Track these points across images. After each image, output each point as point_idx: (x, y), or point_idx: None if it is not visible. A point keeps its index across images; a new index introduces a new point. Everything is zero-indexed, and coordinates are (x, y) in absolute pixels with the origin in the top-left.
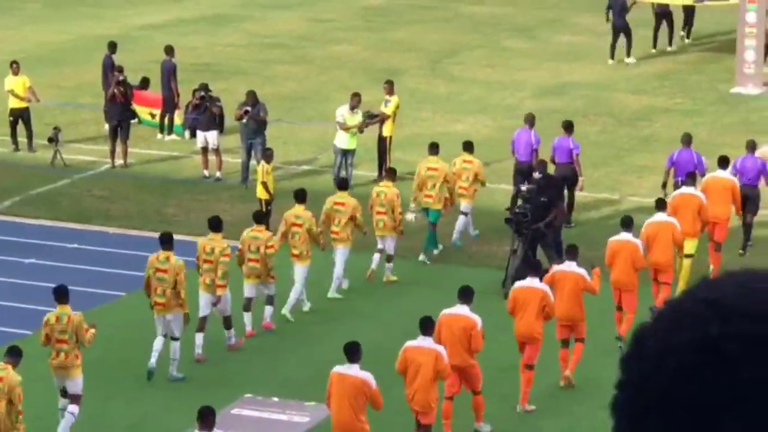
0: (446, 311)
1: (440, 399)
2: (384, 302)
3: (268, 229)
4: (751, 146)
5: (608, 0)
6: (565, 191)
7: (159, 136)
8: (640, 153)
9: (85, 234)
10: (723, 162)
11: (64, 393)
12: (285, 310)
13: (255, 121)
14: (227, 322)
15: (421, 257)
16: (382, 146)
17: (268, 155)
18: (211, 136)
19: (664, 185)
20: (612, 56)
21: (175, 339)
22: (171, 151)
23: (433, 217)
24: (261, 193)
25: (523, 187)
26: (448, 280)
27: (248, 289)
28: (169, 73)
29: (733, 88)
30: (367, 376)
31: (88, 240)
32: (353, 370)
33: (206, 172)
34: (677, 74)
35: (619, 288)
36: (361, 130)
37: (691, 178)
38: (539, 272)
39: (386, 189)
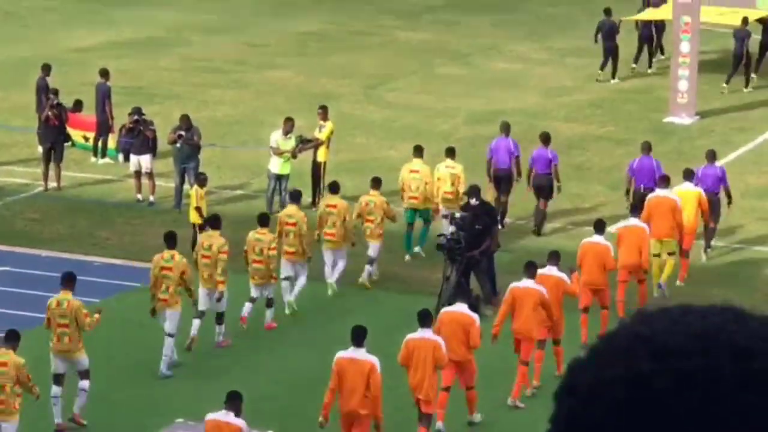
0: (446, 309)
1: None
2: (317, 328)
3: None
4: (711, 156)
5: (598, 23)
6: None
7: (92, 159)
8: (573, 181)
9: (17, 256)
10: (688, 174)
11: (58, 379)
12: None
13: (188, 146)
14: (219, 319)
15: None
16: (317, 172)
17: (201, 180)
18: (144, 160)
19: (627, 192)
20: (613, 76)
21: (170, 336)
22: (104, 174)
23: (412, 218)
24: (194, 218)
25: (457, 214)
26: (381, 307)
27: (254, 290)
28: (104, 96)
29: (666, 117)
30: (375, 360)
31: (20, 263)
32: (360, 353)
33: (139, 196)
34: (611, 103)
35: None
36: (294, 156)
37: (664, 181)
38: (533, 270)
39: (374, 198)
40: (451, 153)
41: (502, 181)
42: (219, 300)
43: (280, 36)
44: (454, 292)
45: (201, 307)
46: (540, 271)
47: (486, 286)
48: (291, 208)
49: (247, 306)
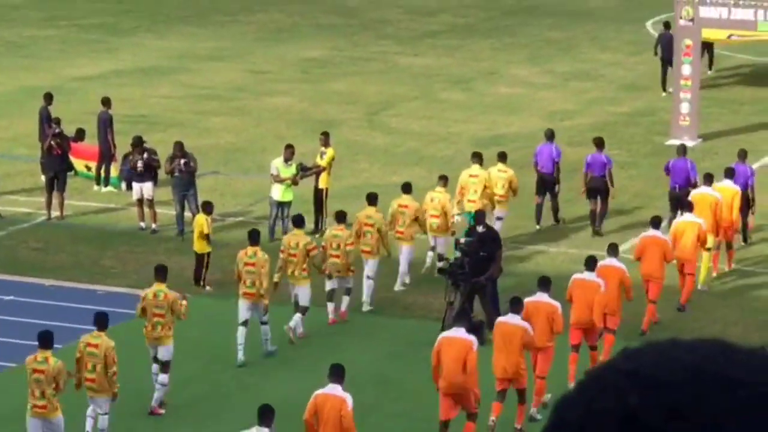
0: (445, 333)
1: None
2: (318, 354)
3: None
4: (742, 156)
5: (657, 35)
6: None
7: (95, 187)
8: (578, 204)
9: (21, 286)
10: (729, 172)
11: (155, 360)
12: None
13: (187, 173)
14: (303, 311)
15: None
16: (319, 198)
17: (208, 208)
18: (147, 188)
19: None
20: (664, 89)
21: (263, 323)
22: (107, 202)
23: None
24: (200, 247)
25: (461, 239)
26: (384, 332)
27: (329, 283)
28: (105, 124)
29: (669, 140)
30: (348, 397)
31: (24, 292)
32: (337, 390)
33: (142, 224)
34: (613, 126)
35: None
36: (295, 182)
37: (708, 179)
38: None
39: (440, 194)
40: (502, 157)
41: (546, 184)
42: (304, 295)
43: (281, 62)
44: (455, 315)
45: (293, 300)
46: (529, 299)
47: (490, 312)
48: (369, 210)
49: (345, 300)
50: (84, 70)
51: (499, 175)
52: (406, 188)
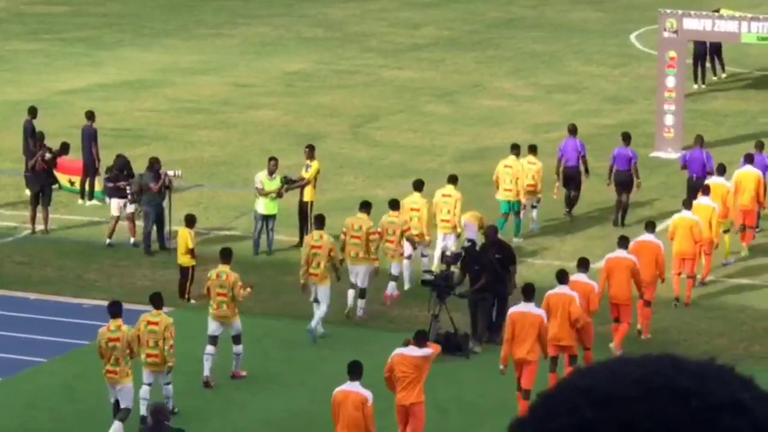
0: (399, 350)
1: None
2: (303, 368)
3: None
4: (759, 146)
5: None
6: None
7: (80, 201)
8: (563, 217)
9: (5, 300)
10: (749, 158)
11: (213, 341)
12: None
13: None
14: (362, 293)
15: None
16: (304, 211)
17: (190, 221)
18: (116, 204)
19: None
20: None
21: (319, 304)
22: (92, 216)
23: (513, 208)
24: (185, 261)
25: (447, 253)
26: (369, 345)
27: (395, 267)
28: (90, 138)
29: (653, 152)
30: (368, 393)
31: (9, 306)
32: (355, 386)
33: (132, 240)
34: (598, 138)
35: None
36: (280, 195)
37: (721, 169)
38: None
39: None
40: (533, 150)
41: (571, 178)
42: (364, 276)
43: (265, 76)
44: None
45: (352, 279)
46: (514, 308)
47: (482, 324)
48: (317, 233)
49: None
50: (68, 83)
51: (529, 167)
52: (394, 205)
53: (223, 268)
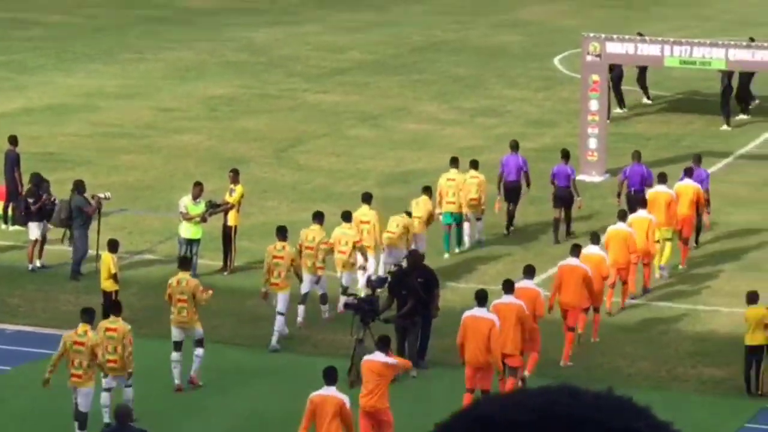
0: (368, 357)
1: None
2: (229, 393)
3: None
4: (637, 156)
5: None
6: None
7: (2, 226)
8: (488, 241)
9: None
10: (689, 171)
11: (177, 347)
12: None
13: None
14: (323, 299)
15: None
16: (228, 235)
17: (113, 246)
18: (37, 227)
19: (619, 195)
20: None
21: (280, 314)
22: (15, 241)
23: (455, 219)
24: (109, 286)
25: (374, 277)
26: (292, 370)
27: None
28: (13, 163)
29: (577, 175)
30: (345, 397)
31: None
32: (331, 391)
33: (36, 263)
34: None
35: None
36: (204, 220)
37: (663, 178)
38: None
39: (347, 231)
40: (475, 164)
41: (512, 192)
42: (317, 283)
43: (189, 100)
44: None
45: (303, 290)
46: (467, 313)
47: (413, 349)
48: (279, 244)
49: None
50: None
51: (472, 180)
52: (346, 217)
53: (183, 275)
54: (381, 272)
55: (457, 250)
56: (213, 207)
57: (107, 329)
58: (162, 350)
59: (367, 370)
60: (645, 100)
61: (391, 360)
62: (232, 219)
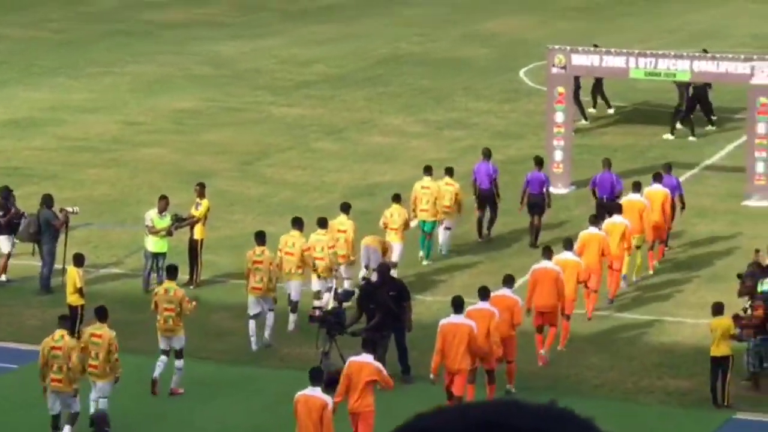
0: (353, 358)
1: None
2: (194, 405)
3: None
4: (607, 164)
5: None
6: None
7: None
8: (453, 253)
9: None
10: (658, 177)
11: (165, 353)
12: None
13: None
14: (294, 307)
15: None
16: (194, 249)
17: (79, 260)
18: (7, 240)
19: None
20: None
21: (270, 310)
22: None
23: (428, 228)
24: (75, 300)
25: (340, 290)
26: (260, 383)
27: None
28: None
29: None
30: (329, 399)
31: None
32: (316, 392)
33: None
34: None
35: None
36: (170, 233)
37: (637, 187)
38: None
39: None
40: (449, 172)
41: (485, 200)
42: (297, 291)
43: (155, 114)
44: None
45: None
46: (444, 320)
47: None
48: (259, 249)
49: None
50: None
51: (446, 188)
52: (322, 223)
53: (170, 284)
54: (347, 285)
55: (425, 263)
56: (179, 221)
57: (92, 335)
58: (128, 363)
59: (356, 371)
60: (609, 110)
61: (380, 364)
62: (198, 232)
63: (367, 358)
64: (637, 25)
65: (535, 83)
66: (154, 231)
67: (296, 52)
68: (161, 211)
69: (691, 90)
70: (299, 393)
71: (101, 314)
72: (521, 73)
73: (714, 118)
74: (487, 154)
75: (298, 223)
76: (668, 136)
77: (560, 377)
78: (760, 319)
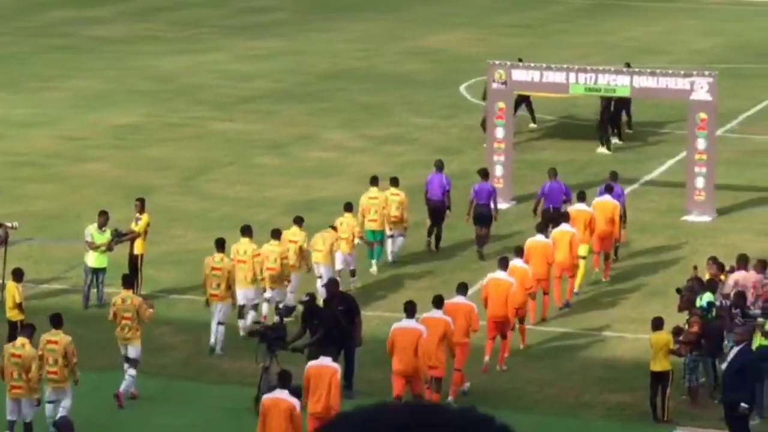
0: (314, 363)
1: None
2: (133, 421)
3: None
4: (553, 173)
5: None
6: None
7: None
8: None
9: None
10: (609, 188)
11: (127, 359)
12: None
13: None
14: (240, 313)
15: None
16: (134, 264)
17: (18, 275)
18: None
19: (535, 210)
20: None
21: (220, 324)
22: None
23: (377, 237)
24: (14, 315)
25: (281, 305)
26: (200, 398)
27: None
28: None
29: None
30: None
31: None
32: (283, 394)
33: None
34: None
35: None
36: (110, 249)
37: (582, 197)
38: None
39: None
40: (395, 182)
41: (436, 211)
42: (250, 298)
43: (96, 129)
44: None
45: (240, 302)
46: (396, 324)
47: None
48: (218, 256)
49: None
50: None
51: (393, 198)
52: (275, 234)
53: (127, 294)
54: (289, 300)
55: (372, 269)
56: (119, 236)
57: (48, 342)
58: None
59: (316, 374)
60: (531, 125)
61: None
62: (138, 248)
63: (326, 361)
64: (577, 42)
65: (476, 98)
66: (93, 246)
67: (237, 67)
68: (101, 226)
69: (612, 104)
70: (265, 396)
71: (56, 321)
72: (462, 88)
73: (629, 131)
74: (440, 166)
75: (247, 231)
76: (603, 150)
77: (500, 392)
78: (695, 335)
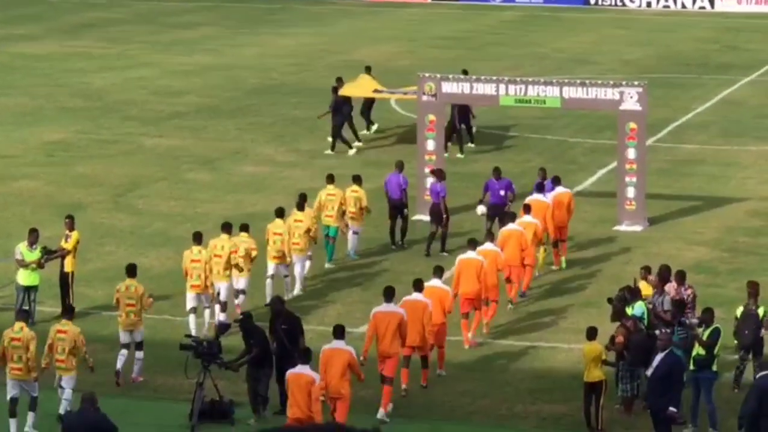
0: (293, 371)
1: None
2: None
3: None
4: (497, 172)
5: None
6: None
7: None
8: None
9: None
10: (539, 187)
11: (125, 346)
12: None
13: None
14: (224, 306)
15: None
16: (65, 281)
17: None
18: None
19: (481, 201)
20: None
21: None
22: None
23: (332, 232)
24: None
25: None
26: (134, 415)
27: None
28: None
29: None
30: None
31: None
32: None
33: None
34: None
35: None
36: (41, 266)
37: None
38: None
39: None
40: (357, 180)
41: (396, 209)
42: (227, 292)
43: (25, 146)
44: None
45: (223, 297)
46: (377, 308)
47: (264, 396)
48: (196, 248)
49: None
50: None
51: (352, 194)
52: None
53: (131, 282)
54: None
55: (327, 265)
56: (48, 253)
57: (58, 331)
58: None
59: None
60: (364, 131)
61: (317, 375)
62: (68, 265)
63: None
64: (506, 53)
65: (406, 111)
66: (23, 264)
67: (167, 82)
68: (31, 244)
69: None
70: (290, 371)
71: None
72: (392, 102)
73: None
74: (400, 167)
75: (227, 228)
76: (459, 155)
77: (434, 404)
78: (622, 345)
